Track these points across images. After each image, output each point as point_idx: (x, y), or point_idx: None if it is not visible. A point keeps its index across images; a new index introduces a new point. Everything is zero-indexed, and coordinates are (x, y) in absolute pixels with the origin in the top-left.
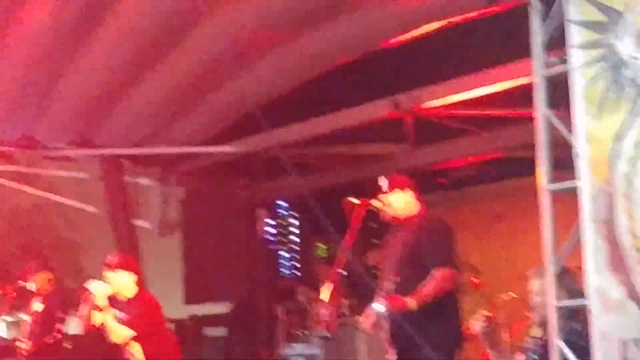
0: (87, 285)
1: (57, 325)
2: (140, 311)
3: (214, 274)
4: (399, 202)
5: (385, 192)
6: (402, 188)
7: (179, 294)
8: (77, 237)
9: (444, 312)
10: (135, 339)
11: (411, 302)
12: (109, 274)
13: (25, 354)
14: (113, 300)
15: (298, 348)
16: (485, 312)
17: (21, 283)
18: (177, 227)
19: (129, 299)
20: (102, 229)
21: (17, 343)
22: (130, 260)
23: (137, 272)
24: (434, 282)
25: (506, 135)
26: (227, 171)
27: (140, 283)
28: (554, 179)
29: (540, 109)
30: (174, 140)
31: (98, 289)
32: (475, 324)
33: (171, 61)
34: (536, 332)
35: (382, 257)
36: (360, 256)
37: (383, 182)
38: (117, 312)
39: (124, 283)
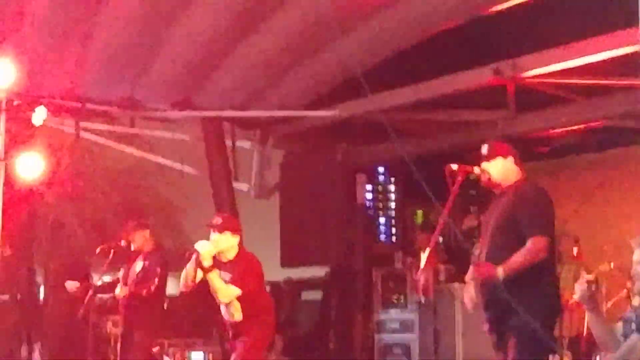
0: (195, 245)
1: (155, 279)
2: (243, 271)
3: (311, 238)
4: (500, 169)
5: (487, 159)
6: (503, 155)
7: (275, 257)
8: (176, 198)
9: (539, 282)
10: (237, 298)
11: (499, 271)
12: (214, 235)
13: (123, 303)
14: (216, 261)
15: (394, 313)
16: (588, 276)
17: (120, 242)
18: (275, 190)
19: (231, 259)
20: (201, 190)
21: (116, 290)
22: (235, 222)
23: (240, 233)
24: (525, 252)
25: (609, 104)
26: (327, 135)
27: (241, 244)
28: None
29: None
30: (274, 103)
31: (205, 249)
32: (578, 288)
33: (273, 24)
34: (637, 301)
35: (482, 224)
36: (458, 223)
37: (484, 148)
38: (220, 272)
39: (228, 244)
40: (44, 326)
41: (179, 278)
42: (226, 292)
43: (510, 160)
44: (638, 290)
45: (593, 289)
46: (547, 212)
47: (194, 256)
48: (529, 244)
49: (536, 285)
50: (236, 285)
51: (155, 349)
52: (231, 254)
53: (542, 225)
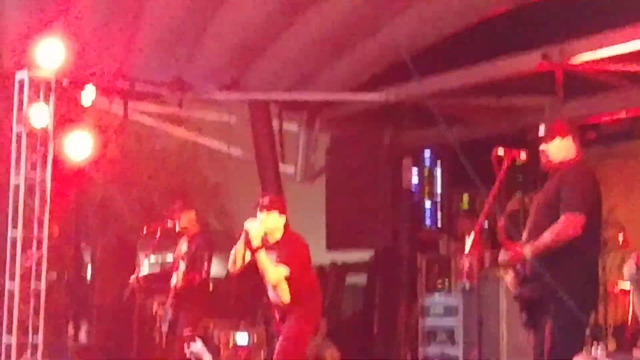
0: (245, 225)
1: (204, 265)
2: (291, 252)
3: (356, 222)
4: (558, 149)
5: (545, 140)
6: (562, 135)
7: (321, 240)
8: (223, 180)
9: (576, 264)
10: (285, 278)
11: (526, 251)
12: (262, 215)
13: (174, 291)
14: (263, 241)
15: (438, 298)
16: (633, 255)
17: (166, 223)
18: (321, 174)
19: (278, 240)
20: (247, 172)
21: (172, 280)
22: (282, 202)
23: (286, 214)
24: (554, 228)
25: None
26: (373, 119)
27: (287, 225)
28: None
29: None
30: (321, 86)
31: (254, 228)
32: (626, 269)
33: (321, 7)
34: None
35: (532, 204)
36: (504, 208)
37: (541, 129)
38: (270, 255)
39: (276, 224)
40: (91, 306)
41: (225, 260)
42: (275, 272)
43: (568, 139)
44: None
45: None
46: (586, 190)
47: (243, 235)
48: (560, 219)
49: (574, 272)
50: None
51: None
52: (278, 235)
53: (578, 202)
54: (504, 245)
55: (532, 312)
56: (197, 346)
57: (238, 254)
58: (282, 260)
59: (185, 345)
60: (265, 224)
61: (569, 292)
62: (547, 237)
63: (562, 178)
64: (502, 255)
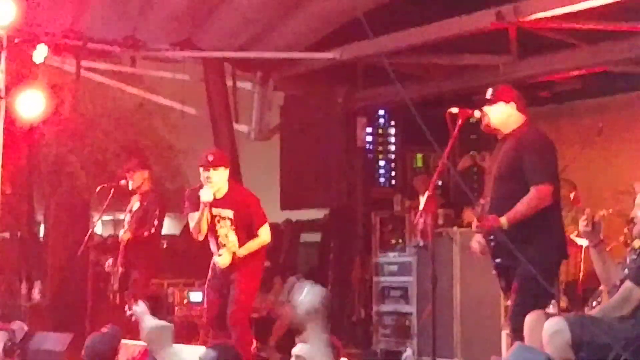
0: (201, 197)
1: (154, 221)
2: (248, 204)
3: (310, 180)
4: (500, 114)
5: (488, 103)
6: (506, 100)
7: (275, 199)
8: (177, 139)
9: (546, 229)
10: (230, 221)
11: (503, 221)
12: (209, 172)
13: (123, 246)
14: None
15: (392, 256)
16: (588, 211)
17: (120, 181)
18: (275, 133)
19: (224, 194)
20: (201, 131)
21: (119, 233)
22: (225, 155)
23: (229, 166)
24: (529, 200)
25: (612, 49)
26: (328, 78)
27: (231, 177)
28: None
29: None
30: (275, 45)
31: (209, 194)
32: (581, 224)
33: None
34: (637, 243)
35: (486, 173)
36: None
37: (488, 92)
38: (220, 210)
39: (223, 179)
40: (44, 264)
41: (178, 218)
42: (224, 227)
43: (512, 106)
44: (637, 234)
45: (595, 225)
46: (550, 159)
47: (201, 207)
48: (533, 191)
49: (543, 232)
50: (244, 220)
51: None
52: (225, 189)
53: (546, 172)
54: (480, 217)
55: (509, 278)
56: (140, 307)
57: (202, 223)
58: (241, 213)
59: (127, 306)
60: (214, 181)
61: (539, 254)
62: (521, 208)
63: (521, 147)
64: (476, 225)
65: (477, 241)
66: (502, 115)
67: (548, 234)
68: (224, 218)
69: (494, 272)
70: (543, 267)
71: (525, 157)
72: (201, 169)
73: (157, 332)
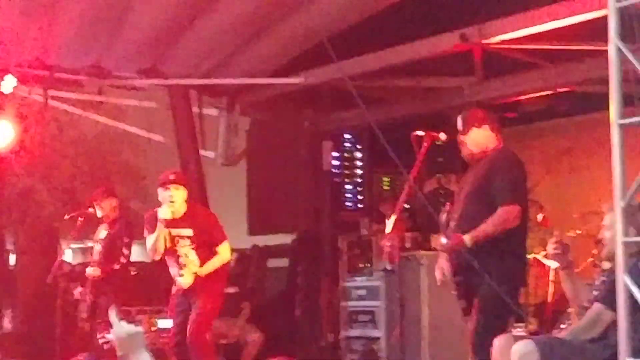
0: (159, 215)
1: (124, 250)
2: (208, 223)
3: (277, 205)
4: (475, 139)
5: (462, 132)
6: (478, 125)
7: (242, 224)
8: (144, 165)
9: (507, 249)
10: (189, 239)
11: (467, 239)
12: (169, 191)
13: (93, 279)
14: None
15: (360, 280)
16: (557, 234)
17: (88, 209)
18: (241, 158)
19: (184, 212)
20: (168, 158)
21: (87, 270)
22: (184, 175)
23: (187, 187)
24: (494, 220)
25: (577, 69)
26: (293, 102)
27: (188, 199)
28: (625, 113)
29: (613, 42)
30: (241, 70)
31: (167, 212)
32: (550, 247)
33: None
34: (606, 265)
35: (455, 192)
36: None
37: (459, 122)
38: (180, 229)
39: (183, 198)
40: (14, 292)
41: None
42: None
43: (485, 128)
44: (606, 255)
45: (564, 247)
46: (520, 181)
47: (159, 224)
48: (499, 211)
49: (504, 253)
50: (204, 238)
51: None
52: (183, 209)
53: (514, 193)
54: (445, 234)
55: (470, 298)
56: (112, 316)
57: (159, 242)
58: (201, 232)
59: (99, 334)
60: (174, 200)
61: (500, 275)
62: (487, 227)
63: (492, 167)
64: (442, 242)
65: (440, 267)
66: (478, 139)
67: (510, 254)
68: (183, 237)
69: (454, 292)
70: (505, 287)
71: (494, 178)
72: (160, 189)
73: (129, 337)
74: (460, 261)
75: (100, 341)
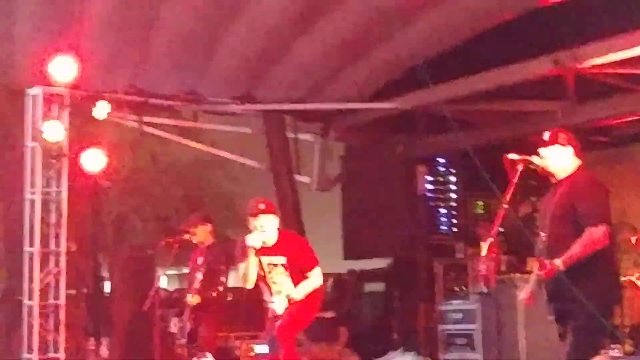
0: (247, 242)
1: (221, 278)
2: (300, 249)
3: (372, 230)
4: (556, 157)
5: (545, 145)
6: (563, 144)
7: (338, 249)
8: (239, 191)
9: (599, 270)
10: (284, 267)
11: (558, 264)
12: (260, 219)
13: (191, 307)
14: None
15: (456, 304)
16: None
17: (183, 236)
18: (336, 183)
19: (275, 242)
20: (263, 183)
21: (186, 298)
22: (273, 204)
23: (278, 215)
24: (584, 242)
25: None
26: (387, 127)
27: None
28: None
29: None
30: (335, 96)
31: (258, 241)
32: None
33: (333, 17)
34: None
35: (539, 215)
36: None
37: (546, 134)
38: (273, 258)
39: (274, 226)
40: (111, 320)
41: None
42: (276, 273)
43: (569, 150)
44: None
45: None
46: (603, 201)
47: (249, 252)
48: (587, 233)
49: (596, 274)
50: (296, 264)
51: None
52: (275, 237)
53: (599, 214)
54: (540, 263)
55: (565, 323)
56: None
57: (250, 270)
58: (295, 259)
59: (195, 359)
60: (265, 229)
61: (593, 296)
62: (577, 249)
63: (575, 190)
64: (537, 270)
65: (526, 289)
66: (560, 158)
67: (602, 274)
68: (276, 265)
69: (550, 317)
70: (598, 308)
71: (578, 200)
72: (250, 218)
73: None
74: (555, 286)
75: None
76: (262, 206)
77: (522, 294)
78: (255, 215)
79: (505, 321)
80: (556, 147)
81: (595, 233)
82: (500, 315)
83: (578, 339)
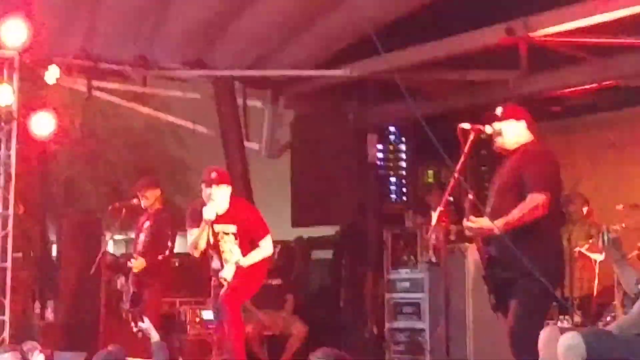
0: (204, 215)
1: (167, 243)
2: (253, 218)
3: (321, 197)
4: (511, 131)
5: (499, 119)
6: (516, 117)
7: (286, 216)
8: (188, 157)
9: (542, 238)
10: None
11: (496, 225)
12: (212, 189)
13: (136, 271)
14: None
15: (404, 272)
16: (614, 227)
17: (132, 200)
18: (286, 150)
19: (228, 209)
20: (212, 149)
21: (130, 261)
22: (227, 174)
23: (231, 184)
24: (523, 207)
25: (623, 63)
26: (338, 94)
27: (241, 194)
28: None
29: None
30: (286, 62)
31: (212, 212)
32: (605, 237)
33: None
34: None
35: (490, 186)
36: (469, 182)
37: (498, 110)
38: (224, 226)
39: (226, 196)
40: (57, 283)
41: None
42: (227, 242)
43: (522, 123)
44: None
45: (616, 241)
46: (549, 170)
47: (203, 224)
48: (528, 199)
49: (540, 244)
50: (247, 233)
51: None
52: (227, 205)
53: (543, 182)
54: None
55: (500, 294)
56: (145, 324)
57: (201, 240)
58: (246, 228)
59: (133, 323)
60: (217, 198)
61: (541, 268)
62: (515, 214)
63: (523, 159)
64: (470, 229)
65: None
66: (513, 131)
67: (544, 246)
68: (227, 234)
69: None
70: (545, 277)
71: (525, 169)
72: (203, 186)
73: None
74: (491, 255)
75: (134, 330)
76: (214, 175)
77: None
78: (209, 184)
79: (453, 291)
80: (511, 121)
81: (537, 199)
82: (449, 285)
83: (524, 310)
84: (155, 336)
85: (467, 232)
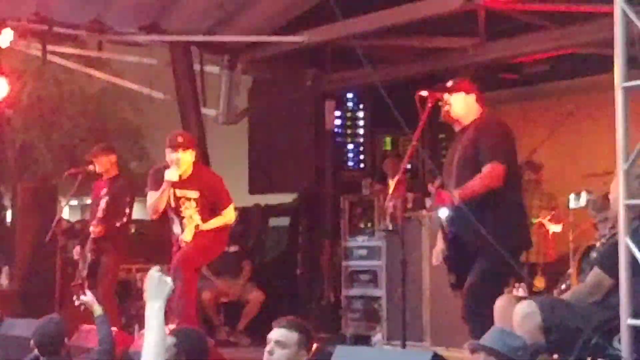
0: (165, 177)
1: (125, 209)
2: (215, 185)
3: (279, 164)
4: (460, 103)
5: (449, 92)
6: (466, 91)
7: (243, 183)
8: (144, 123)
9: (501, 210)
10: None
11: (454, 195)
12: (177, 154)
13: (94, 236)
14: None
15: (361, 240)
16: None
17: (87, 166)
18: (243, 116)
19: (189, 175)
20: (169, 115)
21: (89, 228)
22: (192, 137)
23: (195, 149)
24: (480, 177)
25: (581, 31)
26: (296, 61)
27: (196, 160)
28: (629, 76)
29: (618, 4)
30: (243, 28)
31: (174, 175)
32: (585, 197)
33: None
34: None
35: (445, 162)
36: (428, 150)
37: (449, 82)
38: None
39: (190, 161)
40: (12, 249)
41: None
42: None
43: (472, 97)
44: (612, 217)
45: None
46: (504, 141)
47: (164, 186)
48: (484, 169)
49: (503, 215)
50: (209, 200)
51: None
52: (190, 170)
53: (498, 152)
54: (437, 192)
55: (461, 272)
56: (87, 297)
57: (162, 202)
58: (209, 195)
59: (75, 296)
60: (181, 163)
61: (497, 236)
62: (472, 184)
63: (478, 132)
64: (430, 203)
65: (436, 250)
66: (463, 104)
67: (508, 216)
68: (189, 199)
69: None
70: (505, 248)
71: (480, 141)
72: (168, 150)
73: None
74: (453, 236)
75: (76, 303)
76: (180, 139)
77: (434, 258)
78: (175, 148)
79: (410, 258)
80: (461, 94)
81: (494, 169)
82: (406, 253)
83: (481, 280)
84: (97, 310)
85: (427, 210)
